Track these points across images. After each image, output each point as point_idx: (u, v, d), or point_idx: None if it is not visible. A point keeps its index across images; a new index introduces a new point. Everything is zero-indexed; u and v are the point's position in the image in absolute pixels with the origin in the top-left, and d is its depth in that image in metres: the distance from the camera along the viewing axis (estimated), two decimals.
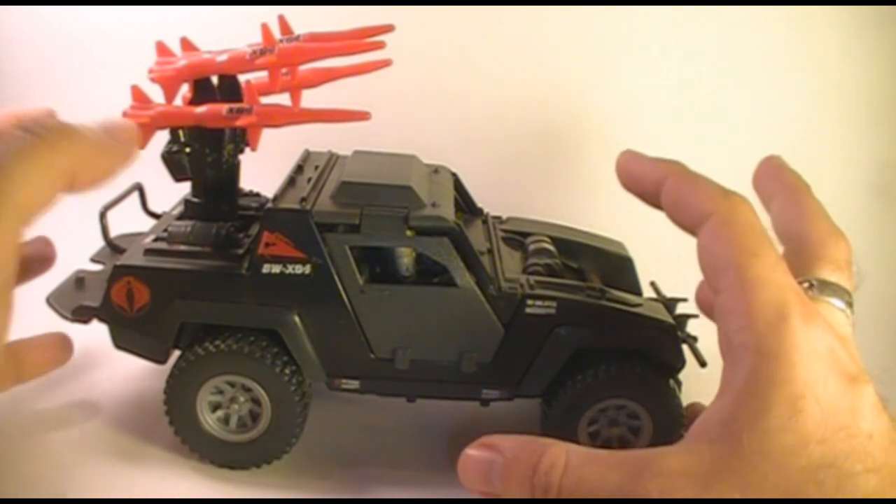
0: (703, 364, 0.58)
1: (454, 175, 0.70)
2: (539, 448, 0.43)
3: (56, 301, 0.63)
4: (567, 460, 0.41)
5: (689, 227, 0.47)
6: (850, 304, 0.46)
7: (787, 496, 0.37)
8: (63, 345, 0.63)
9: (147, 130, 0.59)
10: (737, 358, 0.41)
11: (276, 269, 0.58)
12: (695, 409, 0.59)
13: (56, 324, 0.62)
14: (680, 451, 0.41)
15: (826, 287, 0.46)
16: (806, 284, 0.45)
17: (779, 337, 0.40)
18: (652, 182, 0.49)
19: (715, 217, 0.44)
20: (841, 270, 0.47)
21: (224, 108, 0.57)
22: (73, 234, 0.65)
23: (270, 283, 0.58)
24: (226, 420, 0.61)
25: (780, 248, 0.49)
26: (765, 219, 0.48)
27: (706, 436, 0.41)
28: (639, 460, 0.41)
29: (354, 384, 0.61)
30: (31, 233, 0.61)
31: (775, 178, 0.54)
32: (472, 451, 0.45)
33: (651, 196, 0.50)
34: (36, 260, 0.64)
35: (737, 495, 0.38)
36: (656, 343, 0.60)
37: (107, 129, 0.52)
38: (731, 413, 0.40)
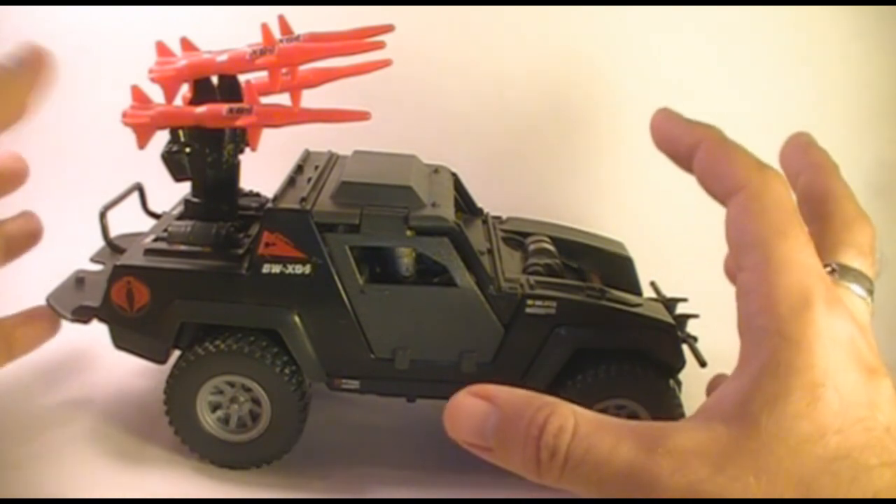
0: (703, 364, 0.58)
1: (454, 175, 0.70)
2: (544, 406, 0.39)
3: (56, 301, 0.63)
4: (576, 424, 0.39)
5: (720, 196, 0.45)
6: (870, 292, 0.45)
7: (801, 484, 0.36)
8: (51, 317, 0.63)
9: (147, 130, 0.59)
10: (757, 340, 0.40)
11: (276, 269, 0.58)
12: (716, 382, 0.57)
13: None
14: (695, 427, 0.39)
15: (848, 273, 0.45)
16: (828, 269, 0.44)
17: (801, 323, 0.39)
18: (686, 146, 0.47)
19: (746, 190, 0.43)
20: (864, 256, 0.46)
21: (224, 108, 0.57)
22: (73, 234, 0.65)
23: (270, 283, 0.58)
24: (226, 420, 0.61)
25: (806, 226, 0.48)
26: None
27: (722, 414, 0.39)
28: (652, 434, 0.39)
29: (354, 384, 0.61)
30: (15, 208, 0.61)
31: (803, 155, 0.52)
32: (462, 400, 0.41)
33: (683, 160, 0.48)
34: (21, 236, 0.63)
35: (751, 478, 0.37)
36: (656, 343, 0.60)
37: (9, 56, 0.52)
38: (749, 394, 0.39)
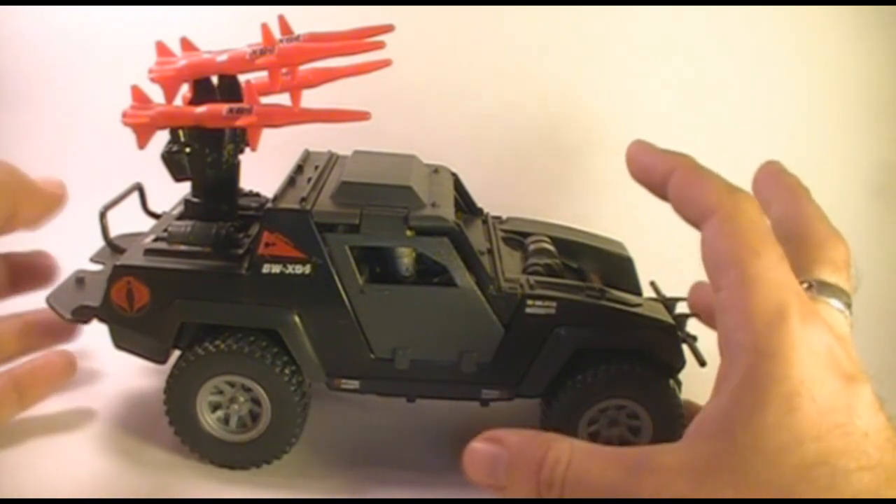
0: (703, 364, 0.58)
1: (454, 175, 0.70)
2: (544, 443, 0.43)
3: (56, 301, 0.63)
4: (570, 456, 0.42)
5: (694, 221, 0.47)
6: (848, 306, 0.46)
7: (779, 493, 0.37)
8: (64, 363, 0.64)
9: (147, 130, 0.59)
10: (735, 356, 0.41)
11: (276, 269, 0.58)
12: (691, 409, 0.60)
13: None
14: (676, 448, 0.41)
15: (825, 288, 0.46)
16: (805, 285, 0.46)
17: (777, 336, 0.40)
18: (660, 174, 0.49)
19: (719, 213, 0.44)
20: (840, 272, 0.47)
21: (224, 108, 0.57)
22: (73, 234, 0.65)
23: (270, 283, 0.58)
24: (226, 420, 0.61)
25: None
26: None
27: (702, 433, 0.41)
28: (636, 457, 0.42)
29: (354, 384, 0.61)
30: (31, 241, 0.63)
31: (775, 181, 0.54)
32: (477, 445, 0.45)
33: (658, 188, 0.50)
34: (28, 271, 0.65)
35: (730, 492, 0.38)
36: (656, 343, 0.60)
37: (39, 178, 0.61)
38: (727, 410, 0.40)
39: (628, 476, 0.40)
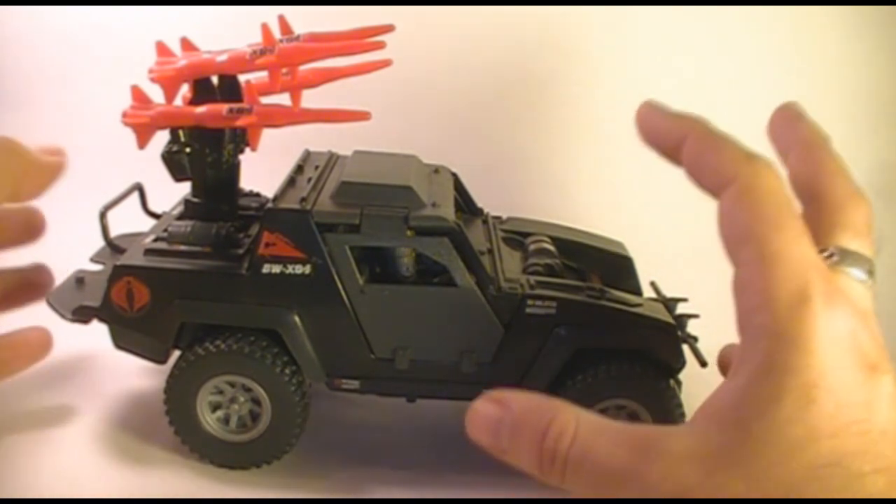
0: (703, 364, 0.58)
1: (454, 175, 0.70)
2: (549, 411, 0.41)
3: (56, 301, 0.63)
4: (576, 428, 0.40)
5: (710, 190, 0.44)
6: (871, 274, 0.43)
7: (789, 492, 0.36)
8: (41, 339, 0.63)
9: (147, 130, 0.59)
10: (754, 338, 0.39)
11: (276, 269, 0.58)
12: (726, 353, 0.54)
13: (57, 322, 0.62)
14: (688, 432, 0.40)
15: (847, 256, 0.43)
16: (826, 254, 0.43)
17: (798, 321, 0.38)
18: (673, 139, 0.46)
19: (737, 183, 0.42)
20: (861, 236, 0.44)
21: (224, 108, 0.57)
22: (73, 234, 0.65)
23: (270, 283, 0.58)
24: (226, 420, 0.61)
25: (798, 208, 0.45)
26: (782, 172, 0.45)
27: (716, 418, 0.39)
28: (647, 438, 0.40)
29: (354, 384, 0.61)
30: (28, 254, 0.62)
31: (791, 129, 0.50)
32: (480, 405, 0.43)
33: (671, 153, 0.47)
34: (24, 286, 0.65)
35: (739, 485, 0.37)
36: (656, 343, 0.60)
37: (40, 147, 0.60)
38: (743, 397, 0.39)
39: (636, 457, 0.39)
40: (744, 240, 0.41)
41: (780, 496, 0.36)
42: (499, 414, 0.42)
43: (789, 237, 0.40)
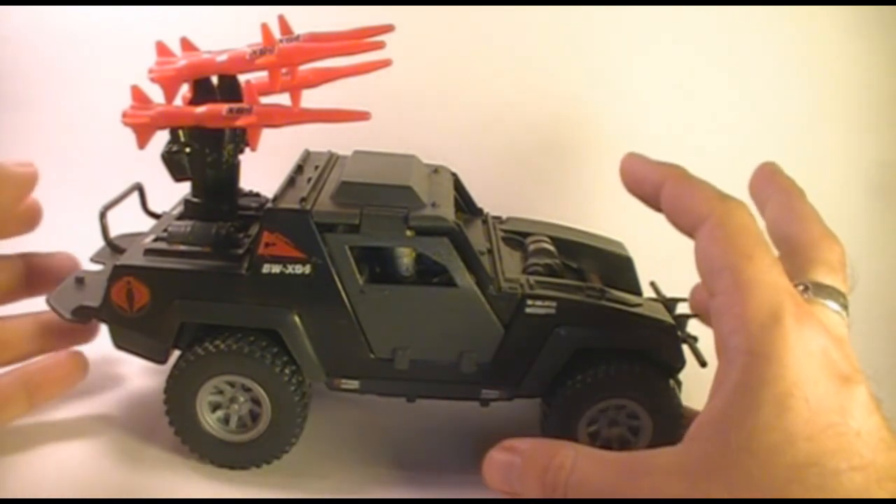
0: (703, 364, 0.58)
1: (454, 175, 0.70)
2: (551, 449, 0.46)
3: (56, 301, 0.63)
4: (574, 461, 0.44)
5: (687, 229, 0.48)
6: (845, 307, 0.46)
7: (771, 494, 0.38)
8: (76, 365, 0.64)
9: (147, 130, 0.59)
10: (730, 359, 0.42)
11: (276, 269, 0.58)
12: (689, 414, 0.60)
13: None
14: (673, 450, 0.42)
15: (821, 290, 0.46)
16: (801, 287, 0.46)
17: (771, 338, 0.40)
18: (652, 185, 0.50)
19: (711, 220, 0.45)
20: (835, 273, 0.48)
21: (224, 108, 0.57)
22: (73, 234, 0.65)
23: (270, 283, 0.58)
24: (226, 420, 0.61)
25: (775, 252, 0.49)
26: (761, 224, 0.49)
27: (698, 435, 0.42)
28: (634, 460, 0.44)
29: (354, 384, 0.61)
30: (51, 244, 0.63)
31: (770, 182, 0.55)
32: (495, 454, 0.48)
33: (652, 199, 0.51)
34: (46, 273, 0.66)
35: (723, 493, 0.39)
36: (656, 343, 0.60)
37: (7, 161, 0.61)
38: (722, 412, 0.41)
39: (626, 478, 0.42)
40: (719, 270, 0.44)
41: (763, 497, 0.38)
42: (509, 459, 0.48)
43: (761, 266, 0.43)
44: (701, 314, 0.61)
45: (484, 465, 0.49)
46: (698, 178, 0.49)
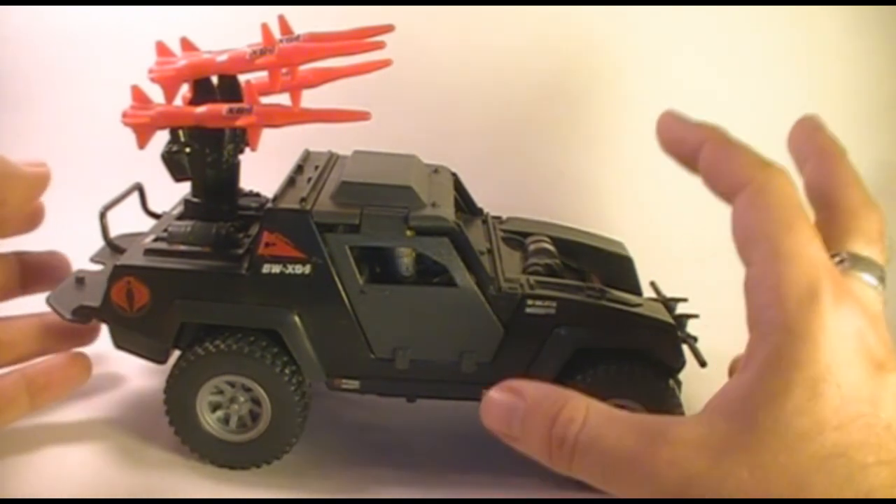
0: (703, 364, 0.58)
1: (454, 175, 0.70)
2: (560, 399, 0.42)
3: (56, 301, 0.63)
4: (586, 416, 0.41)
5: (725, 195, 0.45)
6: (882, 280, 0.44)
7: (793, 481, 0.37)
8: (80, 367, 0.64)
9: (147, 130, 0.59)
10: (763, 333, 0.40)
11: (276, 269, 0.58)
12: (736, 365, 0.57)
13: None
14: (696, 421, 0.40)
15: (858, 261, 0.44)
16: (838, 259, 0.44)
17: (807, 316, 0.39)
18: (690, 146, 0.47)
19: (751, 186, 0.43)
20: (873, 243, 0.45)
21: (224, 108, 0.57)
22: (73, 234, 0.65)
23: (270, 283, 0.58)
24: (226, 420, 0.61)
25: (812, 216, 0.47)
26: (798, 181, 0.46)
27: (724, 409, 0.40)
28: (656, 427, 0.40)
29: (354, 384, 0.61)
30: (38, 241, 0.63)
31: (809, 140, 0.52)
32: (495, 394, 0.44)
33: (689, 160, 0.48)
34: (40, 271, 0.66)
35: (745, 473, 0.37)
36: (656, 343, 0.60)
37: (21, 161, 0.61)
38: (751, 389, 0.39)
39: (645, 443, 0.39)
40: (756, 240, 0.42)
41: (785, 485, 0.37)
42: (512, 402, 0.43)
43: (801, 238, 0.41)
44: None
45: (483, 404, 0.44)
46: (739, 141, 0.46)
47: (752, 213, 0.43)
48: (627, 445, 0.40)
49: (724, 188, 0.45)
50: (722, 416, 0.40)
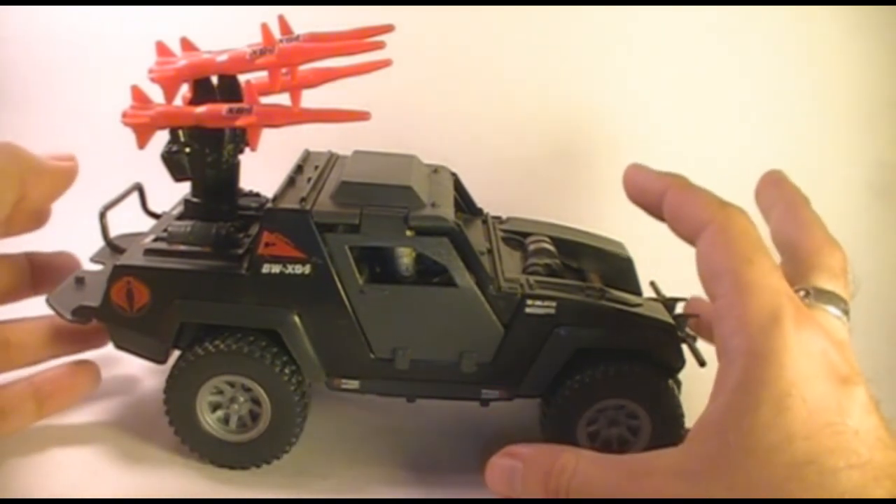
0: (702, 364, 0.58)
1: (454, 175, 0.70)
2: (553, 454, 0.47)
3: (56, 301, 0.63)
4: (576, 464, 0.45)
5: (689, 236, 0.48)
6: (846, 312, 0.47)
7: (769, 492, 0.38)
8: (88, 375, 0.64)
9: (147, 130, 0.59)
10: (731, 360, 0.42)
11: (276, 269, 0.58)
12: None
13: None
14: (674, 451, 0.43)
15: (822, 295, 0.47)
16: (802, 293, 0.47)
17: (770, 339, 0.41)
18: (654, 194, 0.51)
19: (712, 226, 0.46)
20: (836, 279, 0.48)
21: (224, 108, 0.57)
22: (74, 234, 0.65)
23: (270, 283, 0.58)
24: (226, 420, 0.61)
25: (778, 258, 0.50)
26: (764, 231, 0.50)
27: (698, 435, 0.42)
28: (635, 461, 0.44)
29: (354, 384, 0.61)
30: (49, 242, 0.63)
31: (775, 189, 0.56)
32: (497, 460, 0.49)
33: (654, 208, 0.52)
34: (50, 272, 0.66)
35: (723, 492, 0.39)
36: (656, 343, 0.60)
37: (50, 154, 0.61)
38: (722, 413, 0.41)
39: (628, 479, 0.43)
40: (720, 274, 0.45)
41: (762, 496, 0.39)
42: (511, 464, 0.49)
43: (762, 270, 0.44)
44: (700, 331, 0.61)
45: (486, 471, 0.50)
46: (699, 186, 0.50)
47: (715, 251, 0.46)
48: (615, 483, 0.43)
49: (687, 230, 0.49)
50: (697, 441, 0.42)
